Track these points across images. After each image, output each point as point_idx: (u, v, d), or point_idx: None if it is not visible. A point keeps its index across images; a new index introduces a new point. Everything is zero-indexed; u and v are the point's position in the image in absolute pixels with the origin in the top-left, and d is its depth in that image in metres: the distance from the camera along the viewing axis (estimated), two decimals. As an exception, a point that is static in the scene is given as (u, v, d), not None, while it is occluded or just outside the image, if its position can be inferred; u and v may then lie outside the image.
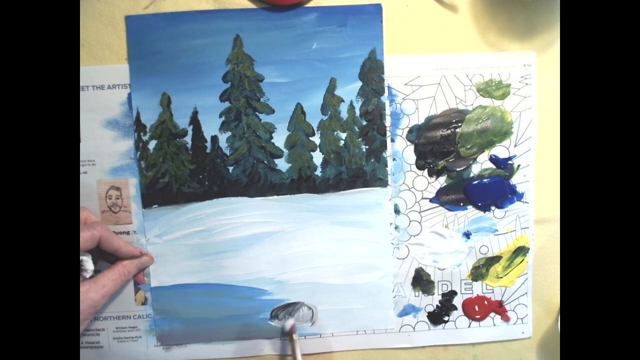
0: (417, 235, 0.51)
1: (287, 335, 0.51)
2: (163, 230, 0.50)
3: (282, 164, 0.50)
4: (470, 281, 0.52)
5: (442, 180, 0.51)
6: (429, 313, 0.53)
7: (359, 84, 0.49)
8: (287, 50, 0.48)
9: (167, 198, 0.49)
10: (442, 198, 0.51)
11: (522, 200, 0.51)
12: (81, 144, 0.49)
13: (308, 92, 0.49)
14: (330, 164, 0.50)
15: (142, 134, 0.49)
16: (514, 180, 0.51)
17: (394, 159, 0.50)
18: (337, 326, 0.52)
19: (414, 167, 0.51)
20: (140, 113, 0.49)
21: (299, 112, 0.49)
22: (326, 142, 0.50)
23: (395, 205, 0.51)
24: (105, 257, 0.48)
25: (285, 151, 0.50)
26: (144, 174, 0.49)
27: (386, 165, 0.50)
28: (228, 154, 0.49)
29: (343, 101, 0.49)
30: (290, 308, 0.51)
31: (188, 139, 0.49)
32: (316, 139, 0.50)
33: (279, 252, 0.50)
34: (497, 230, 0.52)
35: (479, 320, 0.53)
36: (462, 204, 0.51)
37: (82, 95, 0.48)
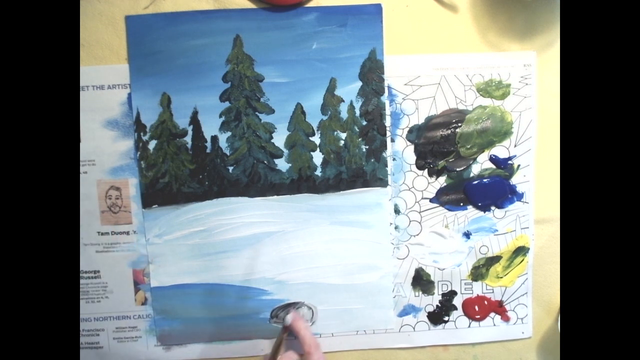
0: (417, 235, 0.51)
1: (283, 329, 0.50)
2: (163, 230, 0.50)
3: (282, 164, 0.50)
4: (470, 281, 0.52)
5: (442, 180, 0.51)
6: (429, 313, 0.53)
7: (359, 84, 0.49)
8: (287, 50, 0.48)
9: (167, 198, 0.49)
10: (442, 198, 0.51)
11: (522, 200, 0.51)
12: (81, 144, 0.49)
13: (308, 92, 0.49)
14: (330, 164, 0.50)
15: (142, 134, 0.49)
16: (514, 180, 0.51)
17: (394, 159, 0.50)
18: (337, 326, 0.52)
19: (414, 167, 0.51)
20: (140, 113, 0.49)
21: (299, 112, 0.49)
22: (326, 142, 0.50)
23: (395, 205, 0.51)
24: None
25: (285, 151, 0.50)
26: (144, 174, 0.49)
27: (386, 165, 0.50)
28: (228, 154, 0.49)
29: (343, 101, 0.49)
30: (290, 308, 0.51)
31: (188, 139, 0.49)
32: (316, 139, 0.50)
33: (279, 252, 0.50)
34: (497, 230, 0.52)
35: (479, 320, 0.53)
36: (462, 204, 0.51)
37: (82, 95, 0.48)
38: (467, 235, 0.52)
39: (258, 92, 0.49)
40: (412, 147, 0.50)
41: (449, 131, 0.50)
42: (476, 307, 0.53)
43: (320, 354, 0.46)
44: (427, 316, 0.53)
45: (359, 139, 0.50)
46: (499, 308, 0.53)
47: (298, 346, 0.51)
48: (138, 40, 0.47)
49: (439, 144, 0.50)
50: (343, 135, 0.50)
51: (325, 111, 0.49)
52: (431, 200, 0.51)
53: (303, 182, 0.50)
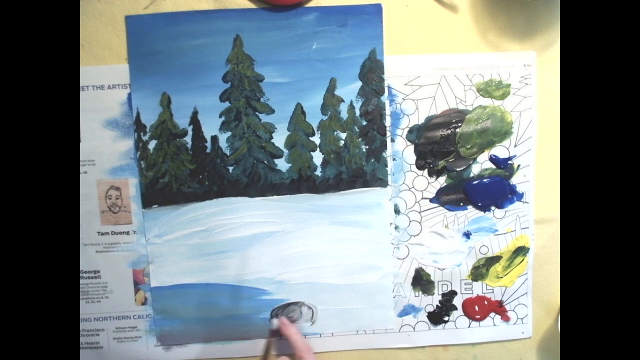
0: (417, 235, 0.51)
1: (270, 333, 0.50)
2: (163, 230, 0.50)
3: (282, 164, 0.50)
4: (470, 281, 0.52)
5: (442, 180, 0.51)
6: (429, 313, 0.53)
7: (359, 84, 0.49)
8: (287, 50, 0.48)
9: (167, 198, 0.49)
10: (442, 198, 0.51)
11: (522, 200, 0.51)
12: (81, 144, 0.49)
13: (308, 92, 0.49)
14: (330, 164, 0.50)
15: (142, 134, 0.49)
16: (514, 180, 0.51)
17: (394, 159, 0.50)
18: (337, 326, 0.52)
19: (414, 167, 0.51)
20: (140, 113, 0.49)
21: (299, 112, 0.49)
22: (326, 142, 0.50)
23: (395, 205, 0.51)
24: None
25: (285, 151, 0.50)
26: (144, 174, 0.49)
27: (386, 165, 0.50)
28: (228, 154, 0.49)
29: (343, 101, 0.49)
30: (290, 308, 0.51)
31: (188, 139, 0.49)
32: (316, 139, 0.50)
33: (279, 252, 0.50)
34: (497, 230, 0.52)
35: (479, 320, 0.53)
36: (462, 204, 0.51)
37: (82, 95, 0.48)
38: (467, 235, 0.52)
39: (258, 92, 0.49)
40: (412, 147, 0.50)
41: (449, 131, 0.50)
42: (476, 307, 0.53)
43: (312, 357, 0.46)
44: (427, 316, 0.53)
45: (359, 139, 0.50)
46: (499, 308, 0.53)
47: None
48: (138, 40, 0.47)
49: (439, 144, 0.50)
50: (343, 135, 0.50)
51: (325, 111, 0.49)
52: (431, 200, 0.51)
53: (303, 182, 0.50)
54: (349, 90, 0.49)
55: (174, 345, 0.51)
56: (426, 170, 0.51)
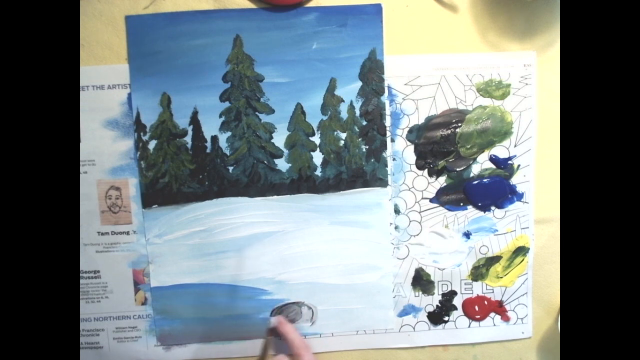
0: (417, 235, 0.51)
1: (268, 332, 0.50)
2: (163, 230, 0.50)
3: (282, 164, 0.50)
4: (470, 281, 0.52)
5: (442, 180, 0.51)
6: (429, 313, 0.53)
7: (359, 84, 0.49)
8: (287, 50, 0.48)
9: (167, 198, 0.49)
10: (442, 198, 0.51)
11: (522, 200, 0.51)
12: (81, 144, 0.49)
13: (308, 92, 0.49)
14: (330, 164, 0.50)
15: (142, 134, 0.49)
16: (514, 180, 0.51)
17: (394, 159, 0.50)
18: (337, 326, 0.52)
19: (414, 167, 0.51)
20: (140, 113, 0.49)
21: (299, 112, 0.49)
22: (326, 142, 0.50)
23: (395, 205, 0.51)
24: None
25: (285, 151, 0.50)
26: (144, 174, 0.49)
27: (386, 165, 0.50)
28: (228, 154, 0.49)
29: (343, 101, 0.49)
30: (290, 308, 0.51)
31: (188, 139, 0.49)
32: (316, 139, 0.50)
33: (279, 252, 0.50)
34: (497, 230, 0.52)
35: (479, 320, 0.53)
36: (462, 204, 0.51)
37: (82, 95, 0.48)
38: (467, 235, 0.52)
39: (258, 92, 0.49)
40: (412, 147, 0.50)
41: (449, 131, 0.50)
42: (476, 307, 0.53)
43: (310, 355, 0.46)
44: (427, 316, 0.53)
45: (359, 139, 0.50)
46: (499, 308, 0.53)
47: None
48: (138, 40, 0.47)
49: (439, 144, 0.50)
50: (343, 135, 0.50)
51: (325, 111, 0.49)
52: (431, 200, 0.51)
53: (303, 182, 0.50)
54: (349, 90, 0.49)
55: (174, 345, 0.51)
56: (426, 170, 0.51)
